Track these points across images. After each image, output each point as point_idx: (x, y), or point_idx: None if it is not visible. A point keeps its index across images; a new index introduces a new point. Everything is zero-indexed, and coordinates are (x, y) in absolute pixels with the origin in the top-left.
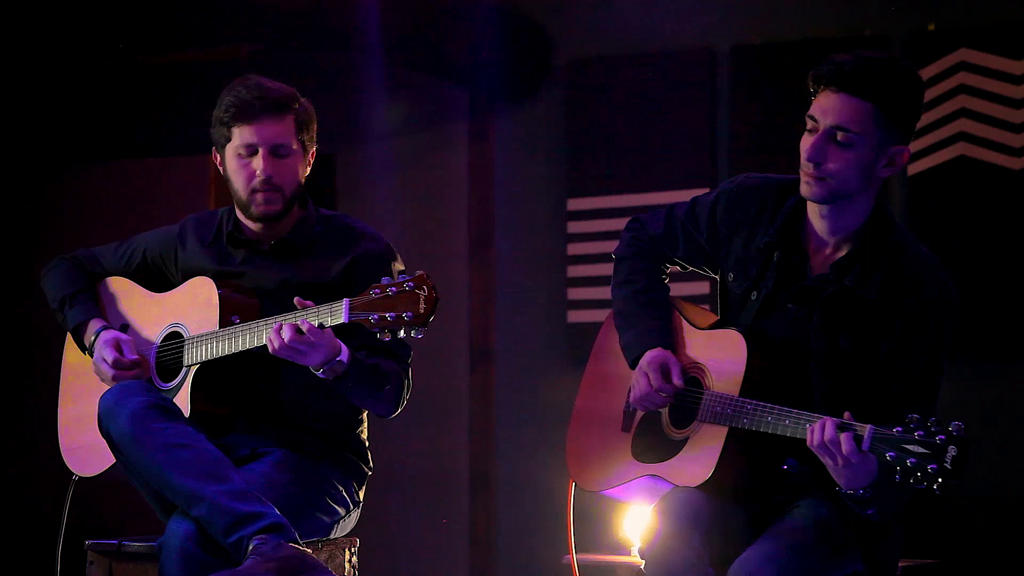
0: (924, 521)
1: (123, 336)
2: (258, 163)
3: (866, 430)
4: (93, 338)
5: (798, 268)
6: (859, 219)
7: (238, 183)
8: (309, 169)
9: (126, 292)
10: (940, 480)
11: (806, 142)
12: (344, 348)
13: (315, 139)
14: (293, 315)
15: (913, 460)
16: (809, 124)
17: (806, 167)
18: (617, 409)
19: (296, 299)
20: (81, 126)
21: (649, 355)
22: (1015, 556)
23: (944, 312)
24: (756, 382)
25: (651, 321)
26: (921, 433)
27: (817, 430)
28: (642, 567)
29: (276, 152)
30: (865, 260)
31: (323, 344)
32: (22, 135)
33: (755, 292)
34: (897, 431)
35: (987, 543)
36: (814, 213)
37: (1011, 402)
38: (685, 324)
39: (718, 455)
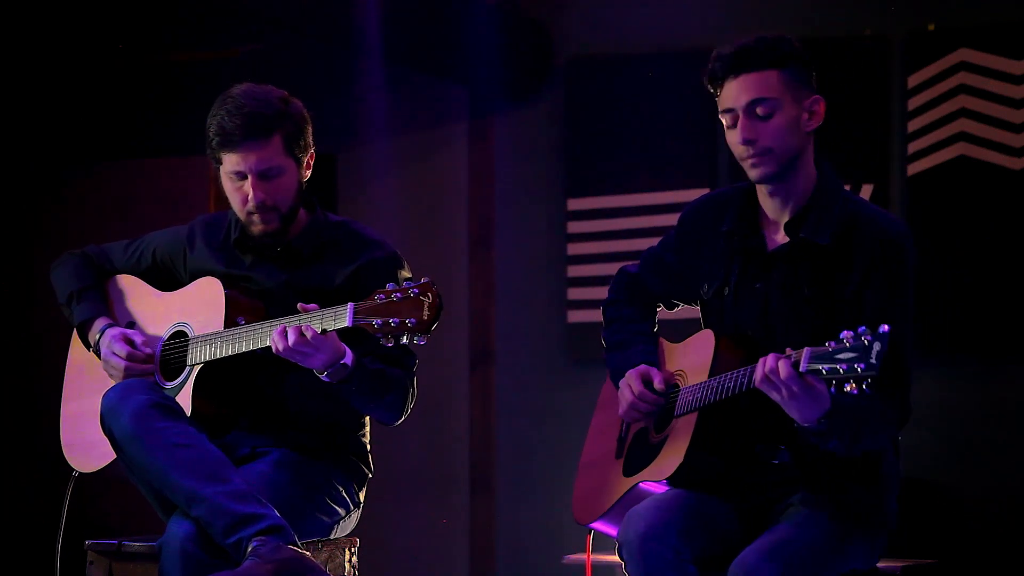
0: (924, 521)
1: (132, 331)
2: (248, 188)
3: (803, 353)
4: (98, 335)
5: (758, 249)
6: (806, 185)
7: (235, 205)
8: (309, 172)
9: (134, 290)
10: (869, 379)
11: (732, 135)
12: (348, 351)
13: (311, 142)
14: (297, 318)
15: (844, 366)
16: (727, 120)
17: (743, 152)
18: (613, 442)
19: (300, 304)
20: (82, 126)
21: (630, 371)
22: (1015, 556)
23: (900, 252)
24: (725, 364)
25: (632, 348)
26: (852, 342)
27: (759, 366)
28: (623, 567)
29: (265, 176)
30: (816, 212)
31: (327, 347)
32: (23, 135)
33: (727, 287)
34: (831, 345)
35: (987, 543)
36: (763, 194)
37: (1011, 402)
38: (665, 344)
39: (690, 437)
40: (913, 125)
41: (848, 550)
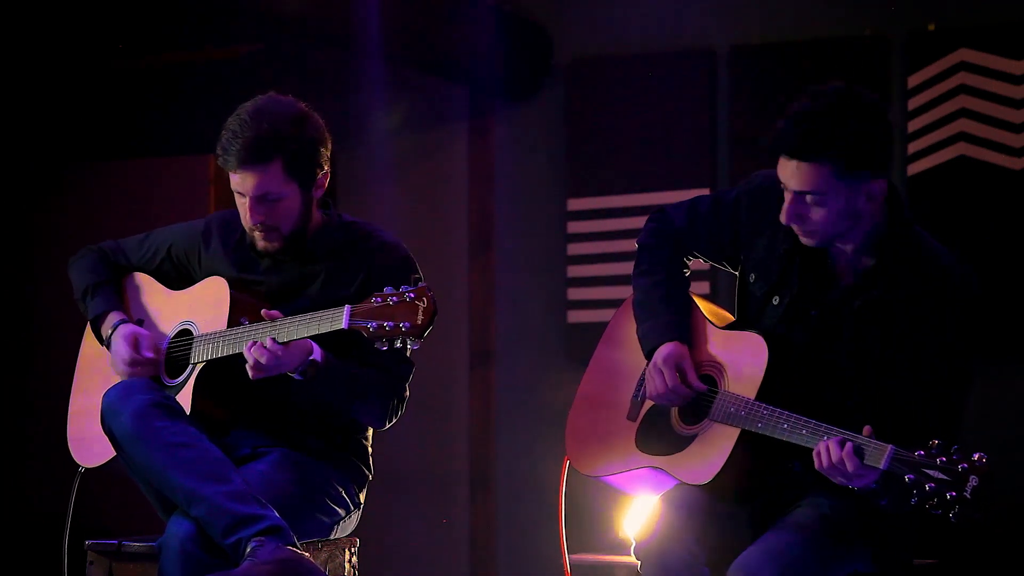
0: (926, 521)
1: (141, 331)
2: (247, 208)
3: (886, 450)
4: (111, 331)
5: (822, 273)
6: (873, 224)
7: (240, 217)
8: (322, 191)
9: (145, 288)
10: (957, 508)
11: (784, 202)
12: (316, 349)
13: (324, 162)
14: (287, 322)
15: (932, 485)
16: (781, 184)
17: (791, 223)
18: (624, 397)
19: (263, 311)
20: (81, 126)
21: (664, 350)
22: (1015, 556)
23: (970, 318)
24: (774, 388)
25: (669, 315)
26: (943, 460)
27: (822, 453)
28: (638, 567)
29: (263, 199)
30: (890, 270)
31: (291, 355)
32: (23, 135)
33: (776, 296)
34: (919, 455)
35: (987, 543)
36: None
37: (1011, 402)
38: (705, 320)
39: (726, 456)
40: (913, 125)
41: (853, 551)
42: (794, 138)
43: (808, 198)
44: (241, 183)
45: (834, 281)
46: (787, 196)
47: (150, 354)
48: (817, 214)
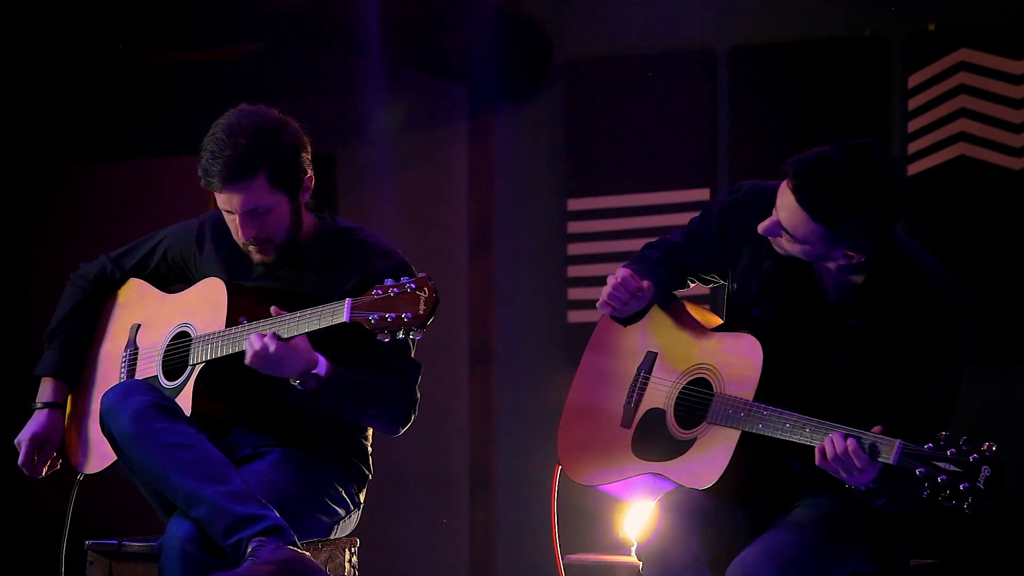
0: (924, 521)
1: (51, 435)
2: (237, 225)
3: (895, 445)
4: (39, 404)
5: (808, 287)
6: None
7: (231, 233)
8: (309, 194)
9: (141, 294)
10: (971, 499)
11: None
12: (322, 361)
13: (307, 167)
14: (280, 320)
15: (944, 477)
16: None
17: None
18: (616, 404)
19: (272, 308)
20: (81, 126)
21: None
22: (1015, 556)
23: (960, 333)
24: (771, 388)
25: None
26: (953, 451)
27: (827, 446)
28: (639, 568)
29: (252, 214)
30: (879, 286)
31: (296, 356)
32: (22, 135)
33: (757, 309)
34: (928, 448)
35: (987, 543)
36: None
37: (1011, 402)
38: (695, 324)
39: (729, 458)
40: (913, 125)
41: (852, 552)
42: (808, 187)
43: (788, 235)
44: (228, 201)
45: (821, 297)
46: (773, 214)
47: (40, 472)
48: (791, 245)
